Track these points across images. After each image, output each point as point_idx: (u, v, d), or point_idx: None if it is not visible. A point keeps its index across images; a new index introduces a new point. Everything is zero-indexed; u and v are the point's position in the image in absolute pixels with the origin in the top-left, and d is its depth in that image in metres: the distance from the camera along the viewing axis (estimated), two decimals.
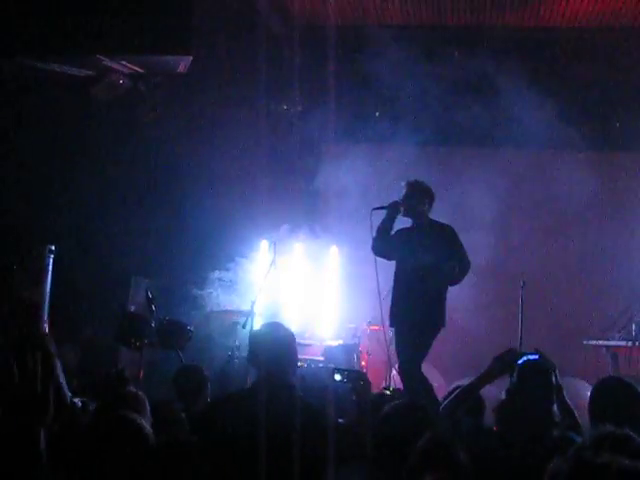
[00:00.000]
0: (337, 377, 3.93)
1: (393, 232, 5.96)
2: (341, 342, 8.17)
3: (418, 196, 5.90)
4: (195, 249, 7.77)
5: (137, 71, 6.62)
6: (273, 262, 7.55)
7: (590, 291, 8.84)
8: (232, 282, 7.85)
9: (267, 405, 3.39)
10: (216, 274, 7.79)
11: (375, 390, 6.12)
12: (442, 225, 5.94)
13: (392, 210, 5.88)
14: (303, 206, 9.26)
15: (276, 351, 3.55)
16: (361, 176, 8.76)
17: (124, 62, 6.35)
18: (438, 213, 6.31)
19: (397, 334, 5.92)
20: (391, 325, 6.01)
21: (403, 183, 5.98)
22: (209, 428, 3.40)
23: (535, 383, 3.43)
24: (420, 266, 5.65)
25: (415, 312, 5.66)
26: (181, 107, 7.60)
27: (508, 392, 3.52)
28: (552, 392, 3.43)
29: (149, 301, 6.50)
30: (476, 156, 9.26)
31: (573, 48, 8.81)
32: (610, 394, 3.43)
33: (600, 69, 8.77)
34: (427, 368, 7.36)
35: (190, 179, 8.14)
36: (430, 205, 5.94)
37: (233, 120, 8.28)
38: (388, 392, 5.43)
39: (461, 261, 5.72)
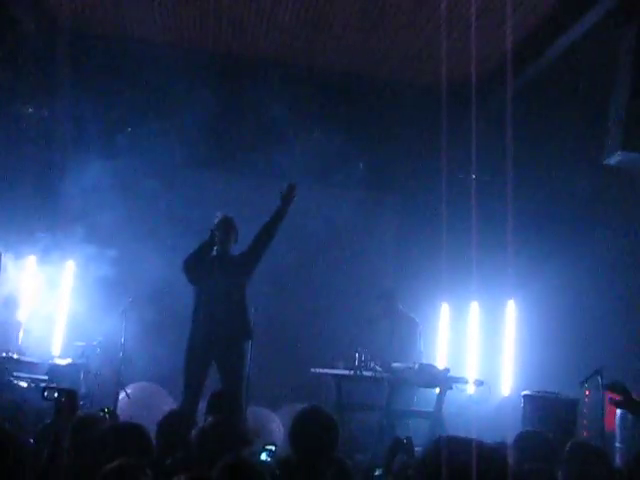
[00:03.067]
0: (47, 395, 3.73)
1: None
2: (69, 361, 7.82)
3: (232, 232, 6.63)
4: None
5: None
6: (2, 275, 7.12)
7: (324, 324, 9.19)
8: None
9: None
10: None
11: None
12: (235, 254, 6.70)
13: (213, 241, 6.53)
14: (41, 218, 8.76)
15: None
16: (102, 191, 8.51)
17: None
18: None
19: (219, 355, 6.36)
20: (194, 355, 6.34)
21: (219, 214, 6.61)
22: None
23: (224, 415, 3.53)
24: (228, 286, 6.44)
25: (232, 328, 6.40)
26: None
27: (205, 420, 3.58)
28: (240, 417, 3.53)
29: None
30: (224, 181, 9.35)
31: (321, 90, 9.18)
32: (304, 424, 3.56)
33: (346, 109, 9.24)
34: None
35: None
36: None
37: None
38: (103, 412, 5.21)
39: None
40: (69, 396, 3.50)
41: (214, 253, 6.64)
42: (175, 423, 3.78)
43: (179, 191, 9.19)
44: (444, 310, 9.75)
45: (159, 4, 7.98)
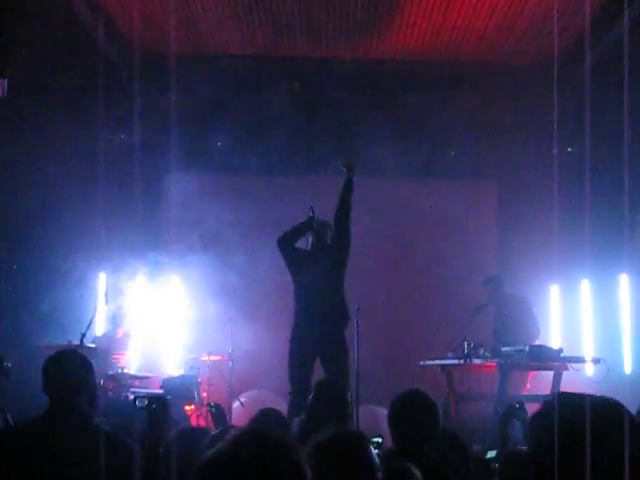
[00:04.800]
0: (138, 404, 3.80)
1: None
2: (182, 373, 8.02)
3: (328, 228, 6.78)
4: (25, 282, 7.43)
5: None
6: (106, 294, 7.37)
7: (430, 315, 9.08)
8: (61, 315, 7.53)
9: (57, 435, 3.25)
10: (46, 306, 7.45)
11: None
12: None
13: (312, 222, 6.67)
14: (145, 237, 9.06)
15: (68, 379, 3.38)
16: (204, 206, 8.70)
17: None
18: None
19: (322, 347, 6.46)
20: (297, 349, 6.48)
21: (315, 216, 6.75)
22: None
23: (330, 400, 3.48)
24: (326, 277, 6.49)
25: (333, 319, 6.49)
26: (9, 135, 7.27)
27: (305, 410, 3.55)
28: (346, 408, 3.48)
29: None
30: (313, 186, 9.37)
31: (404, 79, 9.11)
32: (404, 405, 3.48)
33: (428, 99, 9.11)
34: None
35: (20, 210, 7.80)
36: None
37: (66, 149, 8.04)
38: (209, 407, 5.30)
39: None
40: (160, 403, 3.55)
41: (310, 248, 6.74)
42: (268, 422, 3.77)
43: (274, 197, 9.28)
44: (554, 291, 9.44)
45: (231, 15, 8.12)
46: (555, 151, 9.28)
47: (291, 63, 9.15)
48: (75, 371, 3.41)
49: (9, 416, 4.72)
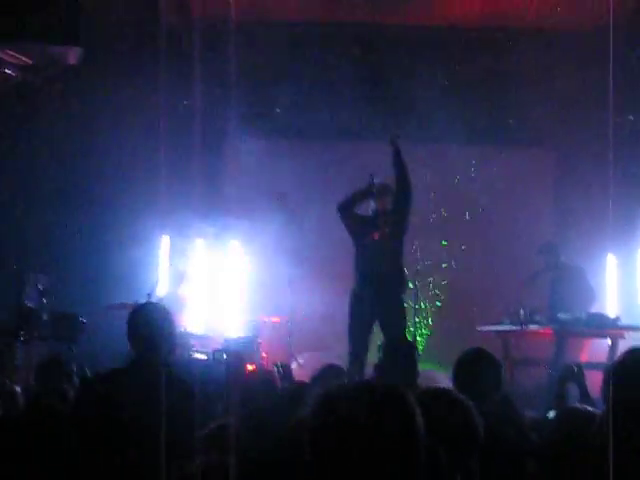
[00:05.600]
0: (216, 357, 4.01)
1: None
2: (242, 334, 8.23)
3: (390, 193, 6.81)
4: (92, 242, 7.73)
5: (26, 62, 6.52)
6: (172, 256, 7.60)
7: (488, 282, 9.15)
8: (129, 276, 7.80)
9: (140, 382, 3.46)
10: (113, 267, 7.72)
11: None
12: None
13: (371, 189, 6.75)
14: (205, 201, 9.25)
15: (150, 330, 3.59)
16: (263, 171, 8.87)
17: (10, 52, 6.24)
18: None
19: (381, 311, 6.55)
20: (357, 309, 6.57)
21: (377, 181, 6.81)
22: (83, 405, 3.44)
23: (399, 359, 3.60)
24: (387, 242, 6.64)
25: (392, 283, 6.60)
26: (78, 101, 7.52)
27: (375, 368, 3.69)
28: (416, 366, 3.60)
29: (40, 294, 6.47)
30: (373, 151, 9.45)
31: (466, 46, 9.10)
32: (469, 361, 3.59)
33: (488, 67, 9.09)
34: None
35: (88, 174, 8.08)
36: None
37: (131, 114, 8.26)
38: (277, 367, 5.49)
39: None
40: (236, 357, 3.75)
41: (371, 213, 6.83)
42: (330, 376, 3.91)
43: (336, 162, 9.38)
44: (610, 261, 9.40)
45: None
46: (613, 120, 9.18)
47: (351, 29, 9.20)
48: (158, 323, 3.61)
49: (87, 369, 4.97)
